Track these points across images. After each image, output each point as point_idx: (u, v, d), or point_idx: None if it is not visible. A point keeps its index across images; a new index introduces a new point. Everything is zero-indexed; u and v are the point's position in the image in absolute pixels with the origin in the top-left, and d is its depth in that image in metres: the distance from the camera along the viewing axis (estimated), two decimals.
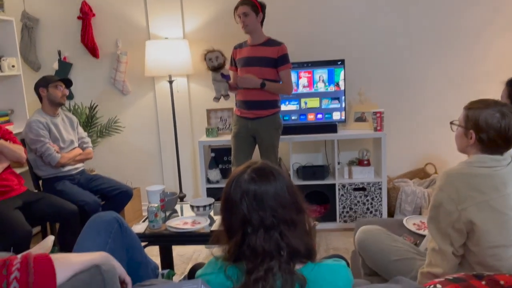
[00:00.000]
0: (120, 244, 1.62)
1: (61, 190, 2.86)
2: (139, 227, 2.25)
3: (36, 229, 3.06)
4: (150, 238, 2.23)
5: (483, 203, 1.41)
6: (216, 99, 3.00)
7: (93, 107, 3.70)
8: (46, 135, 2.86)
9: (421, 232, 2.07)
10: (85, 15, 3.63)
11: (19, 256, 1.05)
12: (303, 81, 3.44)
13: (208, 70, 2.91)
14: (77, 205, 2.72)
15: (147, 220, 2.32)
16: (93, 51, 3.69)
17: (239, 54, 3.01)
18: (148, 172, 3.93)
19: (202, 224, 2.24)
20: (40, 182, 3.02)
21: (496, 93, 2.28)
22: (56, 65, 3.77)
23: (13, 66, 3.35)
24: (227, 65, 2.96)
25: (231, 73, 3.10)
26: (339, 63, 3.37)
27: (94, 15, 3.67)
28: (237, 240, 1.11)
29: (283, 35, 3.24)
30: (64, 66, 3.77)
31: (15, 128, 3.35)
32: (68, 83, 3.03)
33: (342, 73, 3.37)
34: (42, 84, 2.92)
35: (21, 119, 3.41)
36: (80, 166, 3.09)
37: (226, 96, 2.99)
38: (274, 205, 1.11)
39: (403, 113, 3.63)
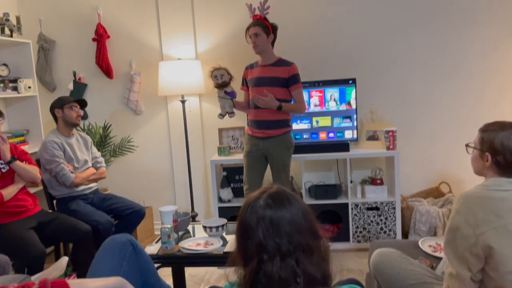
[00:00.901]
0: (134, 267, 1.62)
1: (74, 210, 2.88)
2: (152, 248, 2.25)
3: (50, 249, 3.08)
4: (164, 259, 2.22)
5: (501, 227, 1.38)
6: (221, 115, 3.03)
7: (107, 126, 3.75)
8: (61, 155, 2.89)
9: (437, 254, 2.04)
10: (100, 37, 3.71)
11: (36, 281, 1.05)
12: (315, 100, 3.45)
13: (214, 87, 2.96)
14: (90, 225, 2.73)
15: (159, 241, 2.32)
16: (108, 72, 3.75)
17: (250, 74, 3.04)
18: (160, 190, 3.95)
19: (215, 246, 2.23)
20: (54, 202, 3.05)
21: (510, 110, 2.27)
22: (71, 86, 3.84)
23: (29, 87, 3.42)
24: (235, 83, 2.99)
25: (242, 93, 3.13)
26: (350, 82, 3.38)
27: (109, 36, 3.75)
28: (253, 267, 1.10)
29: (295, 54, 3.29)
30: (79, 87, 3.84)
31: (30, 148, 3.40)
32: (83, 104, 3.08)
33: (353, 92, 3.38)
34: (57, 105, 2.97)
35: (37, 139, 3.46)
36: (93, 185, 3.12)
37: (231, 114, 3.02)
38: (290, 231, 1.11)
39: (415, 131, 3.61)
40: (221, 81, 2.87)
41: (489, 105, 3.50)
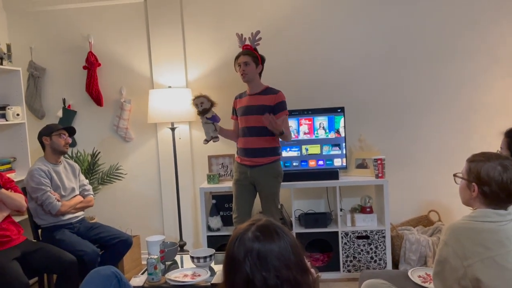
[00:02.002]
0: None
1: (60, 239, 2.82)
2: (138, 280, 2.20)
3: (33, 280, 3.00)
4: None
5: (489, 259, 1.38)
6: (206, 141, 3.03)
7: (95, 154, 3.72)
8: (48, 184, 2.85)
9: (426, 285, 2.02)
10: (91, 65, 3.73)
11: None
12: (304, 128, 3.47)
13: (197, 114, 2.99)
14: (75, 255, 2.67)
15: (146, 272, 2.27)
16: (98, 99, 3.76)
17: (239, 103, 3.07)
18: (148, 219, 3.89)
19: (202, 277, 2.19)
20: (39, 231, 2.98)
21: (497, 139, 2.32)
22: (60, 113, 3.83)
23: (17, 114, 3.41)
24: (221, 110, 3.01)
25: (232, 122, 3.15)
26: (338, 110, 3.42)
27: (100, 65, 3.77)
28: None
29: (284, 83, 3.33)
30: (68, 114, 3.83)
31: (17, 175, 3.35)
32: (71, 131, 3.06)
33: (342, 120, 3.42)
34: (45, 133, 2.95)
35: (23, 167, 3.42)
36: (80, 214, 3.06)
37: (215, 138, 3.02)
38: (278, 265, 1.09)
39: (404, 160, 3.64)
40: (201, 109, 2.90)
41: (476, 135, 3.55)
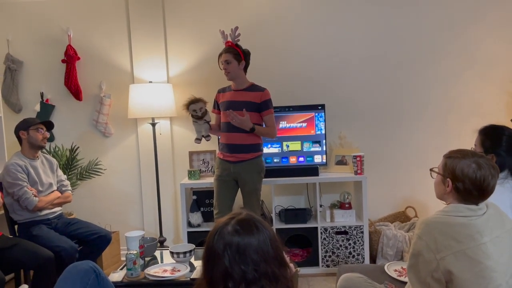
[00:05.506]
0: None
1: (37, 235, 2.78)
2: (116, 276, 2.19)
3: (9, 276, 2.94)
4: (128, 287, 2.16)
5: (460, 252, 1.42)
6: (198, 140, 3.03)
7: (74, 149, 3.67)
8: (24, 179, 2.80)
9: (402, 279, 2.07)
10: (70, 58, 3.67)
11: None
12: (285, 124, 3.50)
13: (189, 116, 2.97)
14: (53, 251, 2.63)
15: (125, 267, 2.26)
16: (77, 94, 3.70)
17: (222, 97, 3.06)
18: (128, 215, 3.86)
19: (182, 272, 2.19)
20: (16, 226, 2.93)
21: (471, 138, 2.39)
22: (38, 107, 3.76)
23: None
24: (210, 108, 3.02)
25: (213, 116, 3.15)
26: (319, 107, 3.46)
27: (79, 58, 3.71)
28: None
29: (266, 80, 3.34)
30: (46, 108, 3.76)
31: None
32: (49, 126, 3.01)
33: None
34: (22, 127, 2.89)
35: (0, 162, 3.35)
36: (57, 210, 3.02)
37: (207, 137, 3.02)
38: (257, 259, 1.10)
39: (383, 156, 3.70)
40: (201, 114, 2.89)
41: (452, 134, 3.64)
